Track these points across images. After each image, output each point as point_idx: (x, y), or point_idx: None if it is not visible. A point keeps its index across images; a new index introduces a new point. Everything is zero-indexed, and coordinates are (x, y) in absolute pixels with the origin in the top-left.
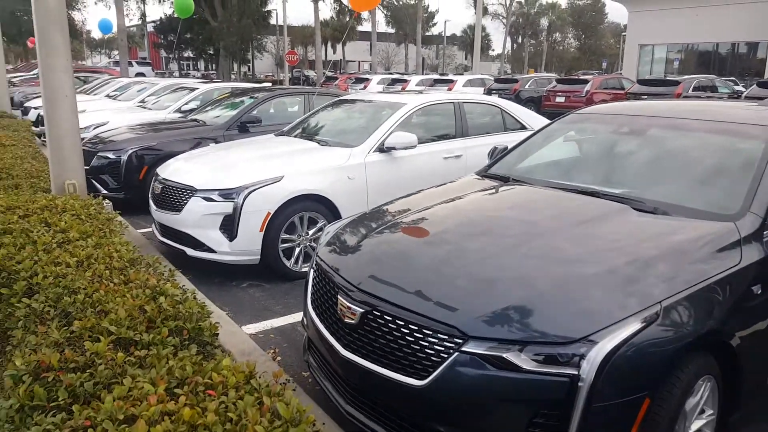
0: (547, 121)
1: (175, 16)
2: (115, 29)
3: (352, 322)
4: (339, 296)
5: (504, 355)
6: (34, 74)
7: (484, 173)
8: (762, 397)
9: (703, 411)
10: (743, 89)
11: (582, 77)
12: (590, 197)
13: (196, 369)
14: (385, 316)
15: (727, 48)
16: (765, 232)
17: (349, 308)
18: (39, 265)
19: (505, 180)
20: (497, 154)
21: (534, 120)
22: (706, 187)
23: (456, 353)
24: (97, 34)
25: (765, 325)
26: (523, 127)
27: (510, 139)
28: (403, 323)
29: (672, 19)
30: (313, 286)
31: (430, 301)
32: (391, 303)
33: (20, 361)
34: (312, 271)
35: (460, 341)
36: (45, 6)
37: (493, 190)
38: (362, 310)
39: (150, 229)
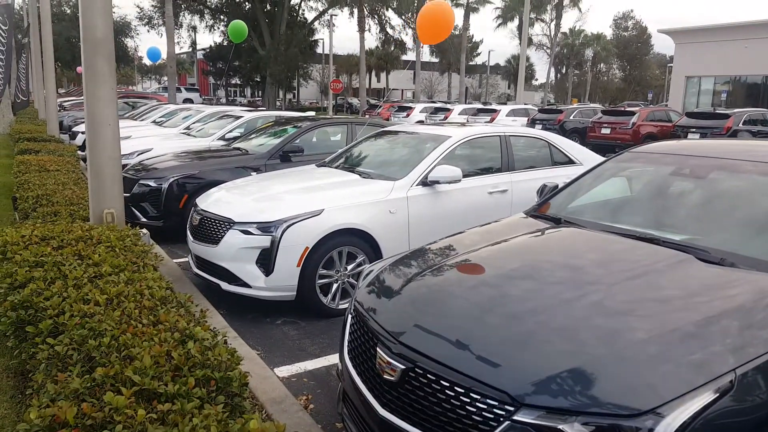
0: (596, 156)
1: (227, 43)
2: (164, 57)
3: (392, 379)
4: (378, 348)
5: (560, 427)
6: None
7: (533, 213)
8: None
9: None
10: None
11: (628, 108)
12: (649, 244)
13: (221, 430)
14: (428, 375)
15: None
16: None
17: (389, 363)
18: (67, 302)
19: (555, 221)
20: (547, 193)
21: (582, 154)
22: None
23: (507, 422)
24: (148, 60)
25: None
26: (571, 162)
27: (558, 173)
28: (447, 384)
29: (720, 50)
30: (350, 333)
31: (477, 360)
32: (434, 360)
33: (35, 414)
34: (350, 316)
35: (512, 408)
36: (93, 37)
37: (544, 233)
38: (403, 367)
39: (186, 259)
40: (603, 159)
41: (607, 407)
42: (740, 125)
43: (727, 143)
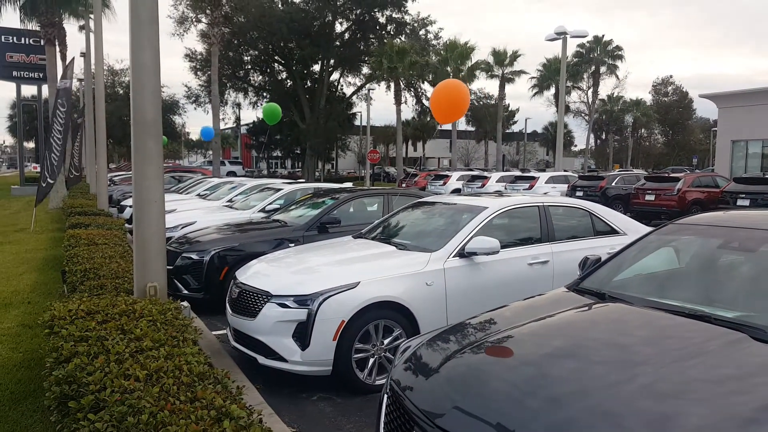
0: (639, 225)
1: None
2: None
3: None
4: (414, 431)
5: None
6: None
7: (575, 287)
8: None
9: None
10: None
11: (672, 174)
12: (699, 321)
13: None
14: None
15: None
16: None
17: None
18: (108, 377)
19: (599, 296)
20: (589, 266)
21: (625, 223)
22: None
23: None
24: (195, 135)
25: None
26: (613, 231)
27: (600, 243)
28: None
29: (766, 113)
30: (386, 414)
31: None
32: None
33: None
34: (386, 395)
35: None
36: (142, 119)
37: (587, 308)
38: None
39: (225, 331)
40: (647, 230)
41: None
42: None
43: None
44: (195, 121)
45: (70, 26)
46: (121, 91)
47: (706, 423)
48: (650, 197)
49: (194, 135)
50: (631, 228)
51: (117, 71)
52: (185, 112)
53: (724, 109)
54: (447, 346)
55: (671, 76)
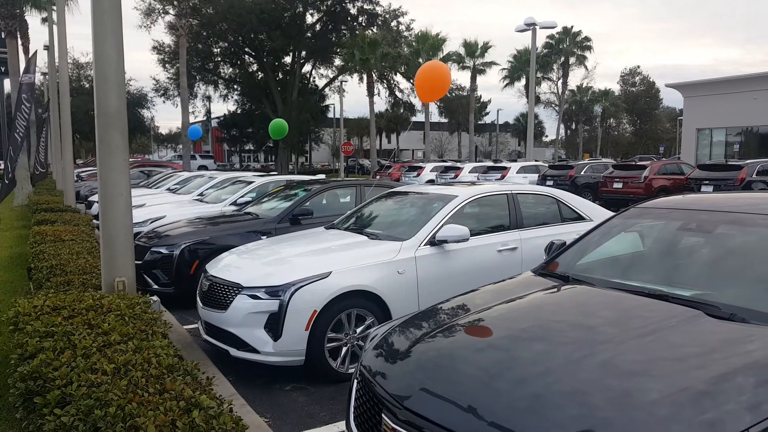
0: (606, 211)
1: (240, 111)
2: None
3: None
4: (383, 414)
5: None
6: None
7: (541, 271)
8: None
9: None
10: None
11: (639, 162)
12: (657, 300)
13: None
14: None
15: None
16: None
17: (394, 429)
18: (75, 372)
19: (564, 279)
20: (555, 250)
21: (591, 210)
22: None
23: None
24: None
25: None
26: (580, 218)
27: (567, 230)
28: None
29: (729, 102)
30: (356, 399)
31: (484, 423)
32: (440, 426)
33: None
34: (355, 381)
35: None
36: (106, 111)
37: (552, 291)
38: None
39: (197, 326)
40: (611, 215)
41: None
42: (754, 176)
43: (734, 196)
44: (164, 115)
45: (33, 18)
46: (87, 85)
47: (662, 396)
48: (618, 185)
49: (163, 129)
50: (598, 214)
51: (82, 64)
52: (154, 105)
53: (689, 98)
54: (415, 330)
55: (638, 67)
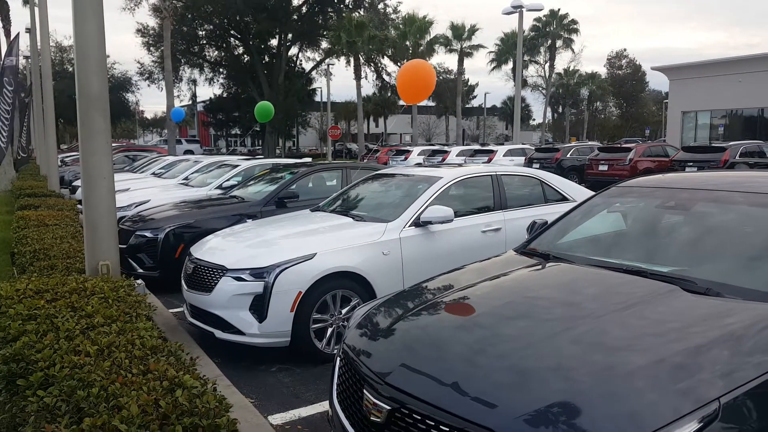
0: (589, 192)
1: (226, 95)
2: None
3: (378, 420)
4: (365, 390)
5: None
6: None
7: (523, 249)
8: None
9: None
10: None
11: (625, 145)
12: (636, 276)
13: None
14: (415, 415)
15: None
16: None
17: (375, 404)
18: (58, 354)
19: (545, 257)
20: (536, 230)
21: (575, 191)
22: (762, 265)
23: None
24: (149, 113)
25: None
26: (564, 199)
27: (551, 211)
28: (433, 423)
29: (714, 85)
30: (339, 376)
31: (466, 397)
32: (421, 400)
33: None
34: (338, 359)
35: None
36: (88, 93)
37: (533, 269)
38: (389, 408)
39: (182, 309)
40: (591, 194)
41: None
42: (737, 157)
43: (714, 175)
44: (149, 100)
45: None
46: (70, 68)
47: (638, 368)
48: (603, 167)
49: (148, 114)
50: (581, 195)
51: (65, 47)
52: (138, 89)
53: (675, 81)
54: (398, 308)
55: (625, 50)
